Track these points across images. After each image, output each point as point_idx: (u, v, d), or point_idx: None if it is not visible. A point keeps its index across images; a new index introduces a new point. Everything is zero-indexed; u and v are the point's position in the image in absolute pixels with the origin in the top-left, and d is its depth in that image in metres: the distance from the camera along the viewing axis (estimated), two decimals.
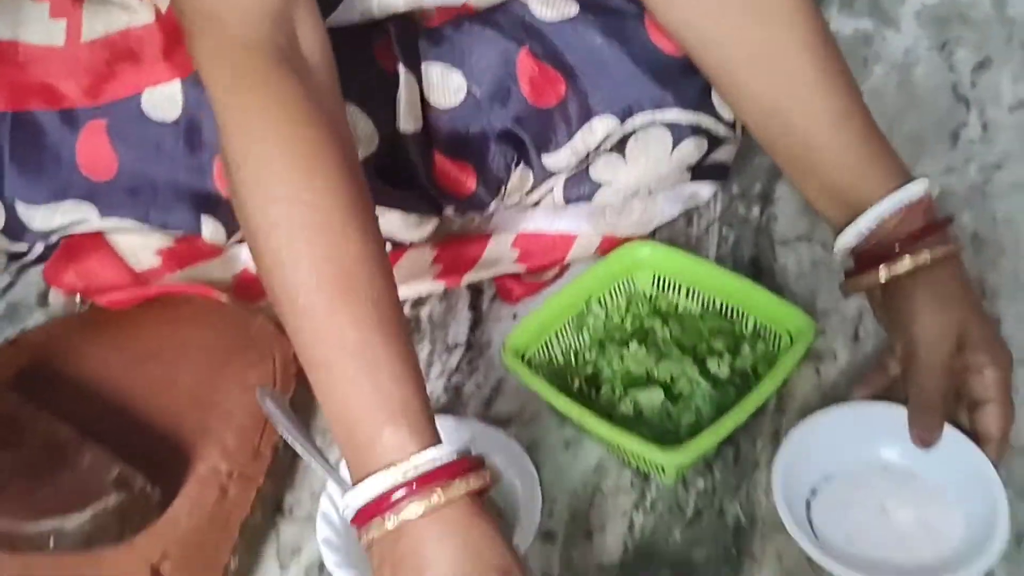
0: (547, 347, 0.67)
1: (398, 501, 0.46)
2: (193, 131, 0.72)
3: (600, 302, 0.70)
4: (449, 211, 0.75)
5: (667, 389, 0.63)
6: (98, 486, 0.56)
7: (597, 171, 0.76)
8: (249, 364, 0.68)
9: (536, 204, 0.78)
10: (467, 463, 0.48)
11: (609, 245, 0.76)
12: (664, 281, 0.71)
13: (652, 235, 0.79)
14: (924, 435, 0.58)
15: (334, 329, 0.49)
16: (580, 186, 0.76)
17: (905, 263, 0.58)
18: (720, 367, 0.64)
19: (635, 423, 0.62)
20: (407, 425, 0.48)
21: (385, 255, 0.53)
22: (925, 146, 0.85)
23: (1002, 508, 0.55)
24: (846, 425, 0.60)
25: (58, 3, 0.72)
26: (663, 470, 0.60)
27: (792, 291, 0.74)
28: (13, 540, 0.56)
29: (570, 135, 0.73)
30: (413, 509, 0.46)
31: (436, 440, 0.48)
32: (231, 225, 0.73)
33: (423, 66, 0.72)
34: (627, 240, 0.76)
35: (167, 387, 0.68)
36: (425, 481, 0.46)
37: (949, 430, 0.59)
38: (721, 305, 0.69)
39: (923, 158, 0.84)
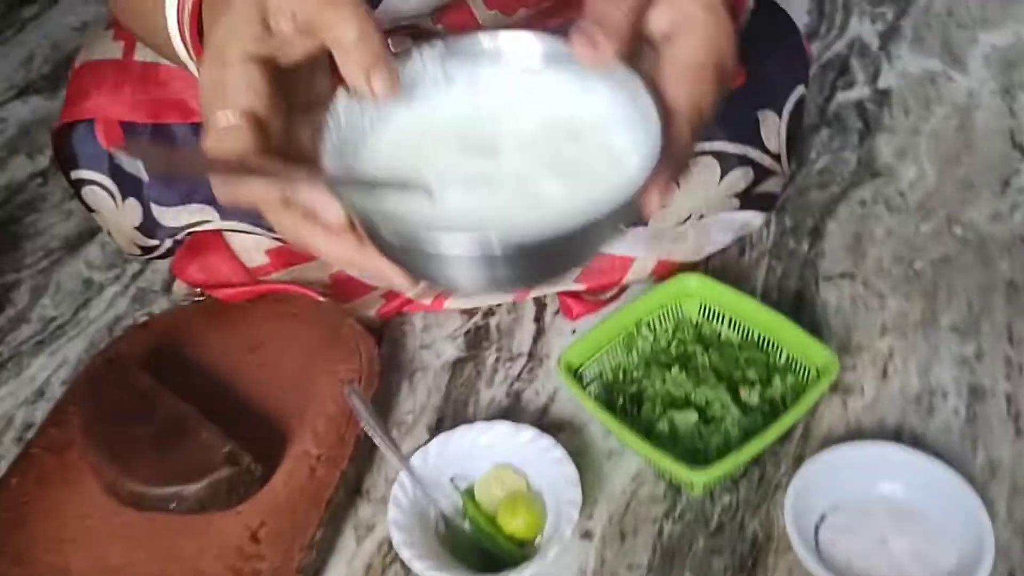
0: (599, 363, 0.76)
1: None
2: None
3: (650, 326, 0.78)
4: None
5: (701, 412, 0.71)
6: (212, 460, 0.67)
7: None
8: (339, 359, 0.79)
9: None
10: None
11: (664, 270, 0.84)
12: (709, 310, 0.78)
13: (706, 263, 0.86)
14: (583, 50, 0.48)
15: None
16: None
17: None
18: (751, 395, 0.72)
19: (670, 440, 0.70)
20: None
21: None
22: (975, 191, 0.90)
23: (988, 544, 0.62)
24: (856, 460, 0.67)
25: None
26: (692, 485, 0.68)
27: (830, 326, 0.81)
28: (141, 500, 0.68)
29: None
30: None
31: None
32: None
33: None
34: (681, 265, 0.83)
35: (271, 374, 0.78)
36: None
37: (943, 469, 0.65)
38: (758, 337, 0.76)
39: (971, 203, 0.89)
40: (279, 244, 0.85)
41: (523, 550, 0.67)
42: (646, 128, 0.48)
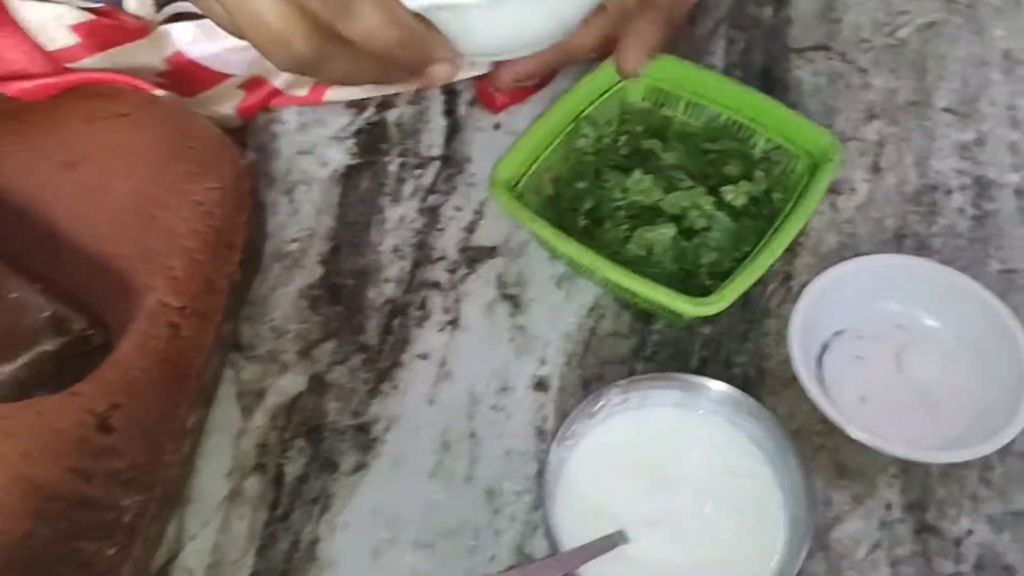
0: (536, 178, 0.59)
1: None
2: None
3: (590, 119, 0.61)
4: None
5: (679, 223, 0.57)
6: (29, 329, 0.48)
7: None
8: (191, 175, 0.58)
9: None
10: None
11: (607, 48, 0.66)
12: (658, 93, 0.62)
13: None
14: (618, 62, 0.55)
15: None
16: None
17: None
18: (737, 196, 0.58)
19: (645, 264, 0.56)
20: None
21: None
22: None
23: None
24: (861, 277, 0.55)
25: None
26: (678, 316, 0.54)
27: (807, 109, 0.67)
28: None
29: None
30: None
31: None
32: None
33: None
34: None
35: (98, 199, 0.57)
36: None
37: (973, 286, 0.54)
38: (726, 121, 0.61)
39: None
40: (89, 16, 0.62)
41: None
42: None
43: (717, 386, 0.50)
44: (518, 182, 0.58)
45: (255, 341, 0.57)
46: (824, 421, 0.51)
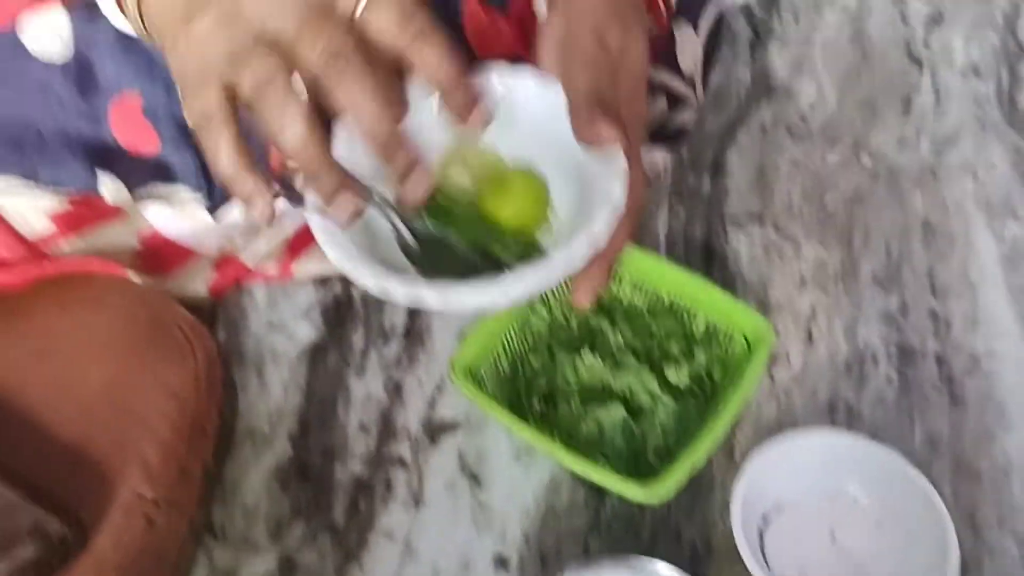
0: (496, 360, 0.63)
1: None
2: (84, 71, 0.62)
3: (543, 299, 0.66)
4: None
5: (626, 403, 0.61)
6: (12, 535, 0.50)
7: None
8: (166, 361, 0.61)
9: None
10: None
11: None
12: None
13: None
14: (583, 131, 0.48)
15: None
16: None
17: None
18: (679, 375, 0.62)
19: (598, 443, 0.59)
20: None
21: None
22: (878, 113, 0.83)
23: (951, 540, 0.56)
24: (798, 452, 0.59)
25: None
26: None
27: (744, 278, 0.72)
28: None
29: None
30: None
31: None
32: (133, 180, 0.64)
33: None
34: None
35: (72, 389, 0.60)
36: None
37: (898, 461, 0.58)
38: (669, 301, 0.65)
39: (876, 127, 0.81)
40: (66, 205, 0.65)
41: (526, 247, 0.49)
42: None
43: (665, 570, 0.54)
44: (479, 366, 0.61)
45: (227, 524, 0.59)
46: None
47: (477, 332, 0.62)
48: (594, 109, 0.48)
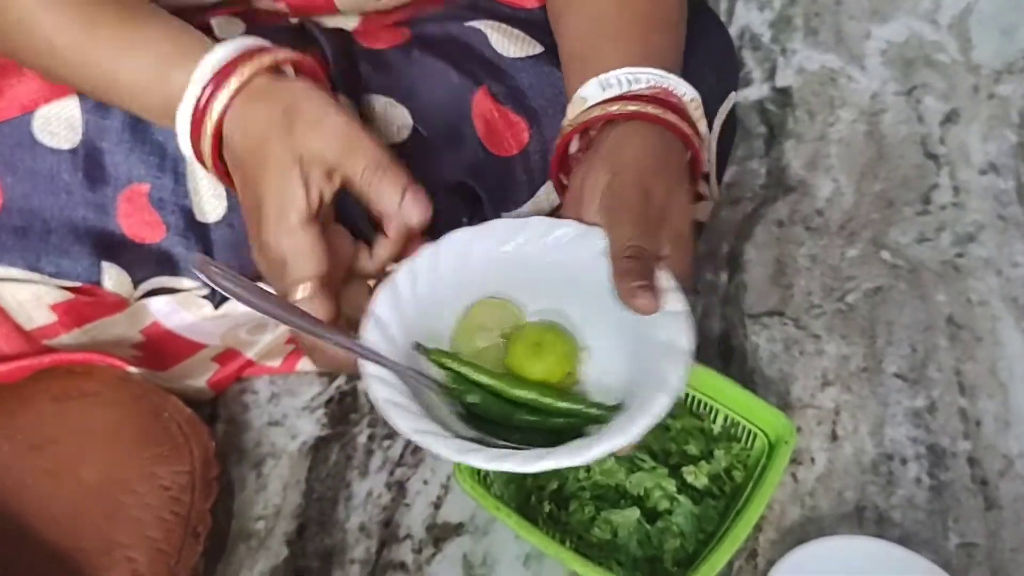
0: None
1: (204, 107, 0.50)
2: (93, 160, 0.61)
3: None
4: None
5: (642, 505, 0.57)
6: None
7: None
8: (161, 458, 0.59)
9: None
10: (252, 49, 0.51)
11: None
12: None
13: None
14: (624, 294, 0.47)
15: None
16: None
17: (623, 106, 0.53)
18: (698, 477, 0.59)
19: (611, 549, 0.56)
20: (182, 56, 0.51)
21: None
22: (896, 209, 0.81)
23: None
24: (825, 560, 0.56)
25: None
26: None
27: (764, 375, 0.69)
28: None
29: (532, 190, 0.65)
30: (218, 104, 0.49)
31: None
32: (138, 273, 0.63)
33: (364, 97, 0.63)
34: None
35: (64, 486, 0.58)
36: (219, 78, 0.50)
37: (933, 571, 0.55)
38: (688, 399, 0.63)
39: (894, 223, 0.80)
40: (70, 296, 0.64)
41: (569, 400, 0.48)
42: None
43: None
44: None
45: None
46: None
47: None
48: (636, 277, 0.47)
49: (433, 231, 0.63)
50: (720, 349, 0.71)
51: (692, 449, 0.60)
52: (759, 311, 0.73)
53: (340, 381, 0.69)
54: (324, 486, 0.63)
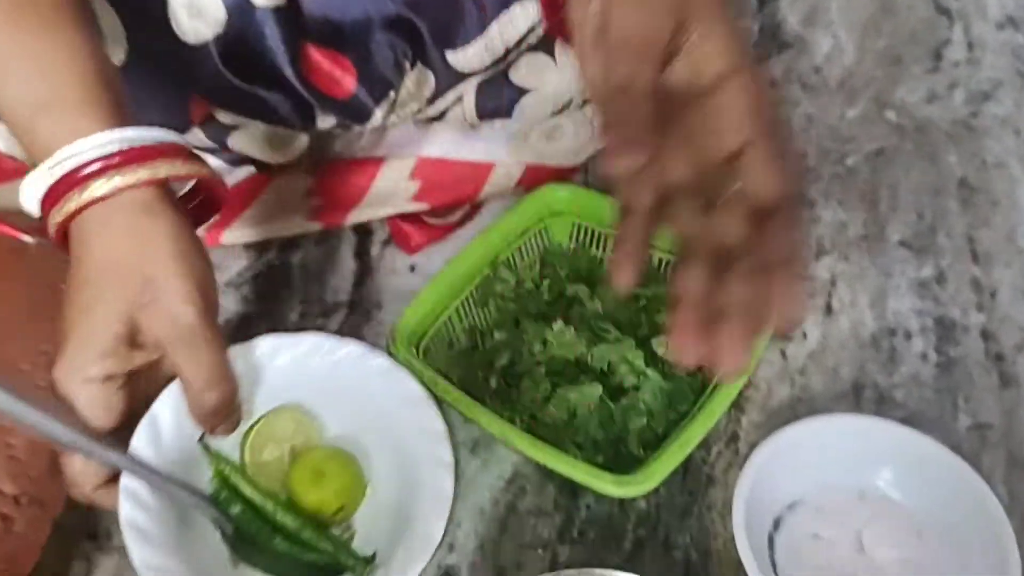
0: (448, 328, 0.52)
1: (84, 179, 0.41)
2: None
3: (509, 264, 0.55)
4: (325, 121, 0.57)
5: (606, 381, 0.50)
6: None
7: (519, 75, 0.59)
8: (46, 335, 0.51)
9: (441, 119, 0.61)
10: (170, 147, 0.42)
11: (534, 179, 0.61)
12: (587, 233, 0.56)
13: (585, 168, 0.64)
14: (616, 157, 0.38)
15: None
16: (497, 94, 0.60)
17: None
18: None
19: (568, 431, 0.48)
20: (69, 110, 0.42)
21: None
22: (903, 66, 0.72)
23: (1010, 548, 0.44)
24: (817, 441, 0.48)
25: None
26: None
27: None
28: None
29: (483, 26, 0.56)
30: (100, 186, 0.40)
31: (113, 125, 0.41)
32: None
33: None
34: (557, 172, 0.61)
35: None
36: (124, 159, 0.41)
37: (941, 453, 0.47)
38: (660, 263, 0.55)
39: (901, 81, 0.71)
40: None
41: (329, 541, 0.46)
42: None
43: None
44: (425, 335, 0.51)
45: (112, 530, 0.48)
46: None
47: (425, 297, 0.52)
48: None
49: (365, 69, 0.55)
50: None
51: (663, 318, 0.52)
52: None
53: (271, 255, 0.61)
54: None
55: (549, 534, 0.49)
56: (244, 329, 0.57)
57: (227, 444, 0.47)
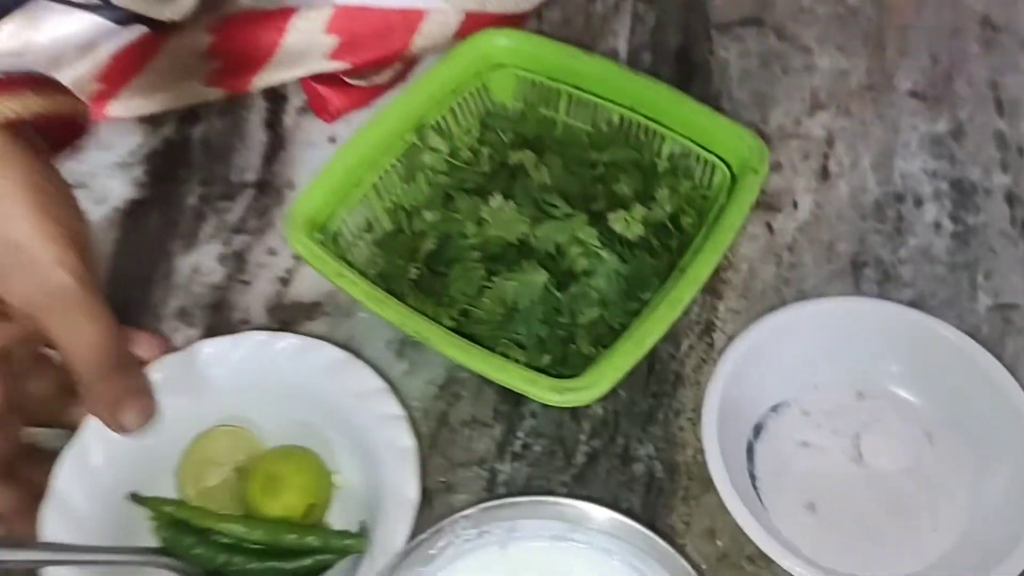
0: (365, 204, 0.43)
1: None
2: None
3: (440, 127, 0.46)
4: None
5: (552, 265, 0.41)
6: None
7: None
8: None
9: None
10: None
11: (476, 28, 0.51)
12: (535, 88, 0.47)
13: (538, 15, 0.54)
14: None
15: None
16: None
17: None
18: (630, 225, 0.42)
19: (506, 324, 0.40)
20: None
21: None
22: None
23: None
24: (809, 330, 0.40)
25: None
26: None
27: (733, 98, 0.53)
28: None
29: None
30: None
31: None
32: None
33: None
34: (501, 19, 0.51)
35: None
36: None
37: (958, 339, 0.39)
38: (622, 121, 0.45)
39: None
40: None
41: (318, 530, 0.39)
42: None
43: (601, 514, 0.35)
44: (332, 216, 0.42)
45: None
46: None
47: (331, 170, 0.43)
48: None
49: None
50: (678, 67, 0.53)
51: (624, 188, 0.43)
52: (730, 19, 0.55)
53: (168, 129, 0.52)
54: (136, 261, 0.47)
55: (487, 449, 0.41)
56: (136, 217, 0.49)
57: (163, 488, 0.40)
